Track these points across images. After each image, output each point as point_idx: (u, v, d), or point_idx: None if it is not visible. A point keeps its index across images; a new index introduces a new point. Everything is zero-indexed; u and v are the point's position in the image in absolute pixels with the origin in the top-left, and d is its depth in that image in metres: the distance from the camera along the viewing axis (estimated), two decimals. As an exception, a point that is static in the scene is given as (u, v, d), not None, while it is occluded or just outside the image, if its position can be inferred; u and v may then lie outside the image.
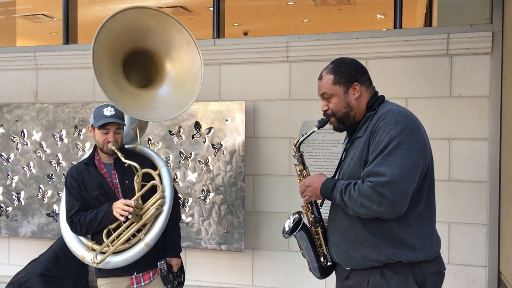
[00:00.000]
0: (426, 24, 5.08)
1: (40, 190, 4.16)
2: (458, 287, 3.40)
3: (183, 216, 3.80)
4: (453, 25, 3.46)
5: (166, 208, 2.55)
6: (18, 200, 4.22)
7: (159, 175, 2.60)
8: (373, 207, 1.79)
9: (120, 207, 2.43)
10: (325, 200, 2.06)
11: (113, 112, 2.55)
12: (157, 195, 2.52)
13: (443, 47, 3.39)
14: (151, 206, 2.51)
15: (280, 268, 3.76)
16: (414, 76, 3.46)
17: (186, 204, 3.82)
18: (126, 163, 2.48)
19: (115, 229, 2.51)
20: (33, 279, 3.60)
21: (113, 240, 2.49)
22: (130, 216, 2.44)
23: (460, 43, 3.37)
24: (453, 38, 3.37)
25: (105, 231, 2.51)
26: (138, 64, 2.90)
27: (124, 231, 2.49)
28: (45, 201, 4.15)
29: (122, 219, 2.44)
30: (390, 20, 3.77)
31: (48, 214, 4.14)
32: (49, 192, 4.14)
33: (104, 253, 2.51)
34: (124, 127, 2.71)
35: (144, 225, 2.51)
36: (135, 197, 2.49)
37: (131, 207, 2.43)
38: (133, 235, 2.51)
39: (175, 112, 2.88)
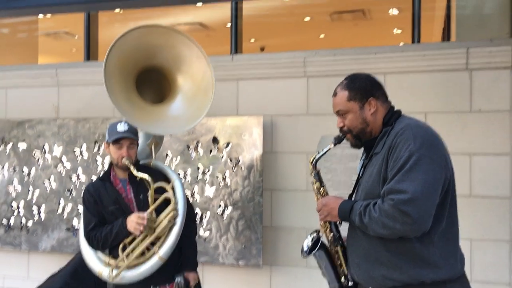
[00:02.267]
0: (444, 38, 5.06)
1: (60, 204, 4.20)
2: (481, 305, 3.32)
3: (201, 231, 3.80)
4: (472, 39, 3.44)
5: (179, 221, 2.56)
6: (39, 214, 4.27)
7: (172, 188, 2.62)
8: (397, 227, 1.75)
9: (134, 221, 2.47)
10: None
11: (126, 128, 2.59)
12: (169, 208, 2.54)
13: (462, 61, 3.37)
14: (164, 219, 2.53)
15: (298, 285, 3.72)
16: (434, 91, 3.44)
17: (203, 219, 3.82)
18: (137, 176, 2.52)
19: (130, 243, 2.54)
20: (52, 293, 3.61)
21: (128, 254, 2.52)
22: (141, 229, 2.46)
23: (479, 57, 3.34)
24: (473, 53, 3.35)
25: (121, 246, 2.55)
26: (152, 81, 2.97)
27: (138, 244, 2.52)
28: (64, 216, 4.19)
29: (137, 232, 2.47)
30: (406, 35, 3.77)
31: (67, 229, 4.17)
32: (69, 207, 4.18)
33: (119, 267, 2.53)
34: (140, 143, 2.74)
35: (158, 238, 2.53)
36: (148, 210, 2.51)
37: (145, 219, 2.46)
38: (148, 249, 2.53)
39: (187, 125, 2.91)
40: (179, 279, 2.62)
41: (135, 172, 2.52)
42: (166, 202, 2.57)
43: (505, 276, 3.29)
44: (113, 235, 2.52)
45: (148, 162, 2.82)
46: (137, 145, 2.71)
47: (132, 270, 2.53)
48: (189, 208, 2.82)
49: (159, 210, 2.56)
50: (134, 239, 2.52)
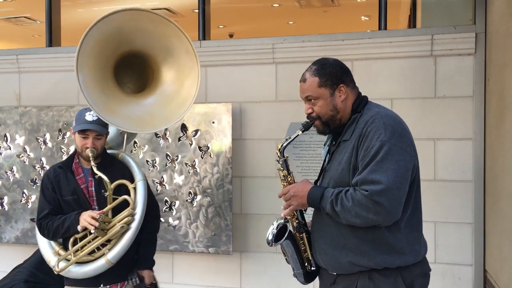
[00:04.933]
0: (410, 25, 5.13)
1: (24, 195, 4.09)
2: (444, 286, 3.42)
3: (170, 219, 3.77)
4: (436, 26, 3.49)
5: (134, 226, 2.46)
6: (1, 205, 4.14)
7: (135, 189, 2.52)
8: (370, 216, 1.76)
9: (86, 219, 2.36)
10: None
11: (95, 118, 2.46)
12: (125, 212, 2.44)
13: (427, 48, 3.42)
14: (118, 223, 2.43)
15: (268, 270, 3.75)
16: (399, 77, 3.49)
17: (173, 207, 3.79)
18: (97, 174, 2.41)
19: (81, 239, 2.45)
20: (18, 285, 3.52)
21: (77, 250, 2.44)
22: (92, 229, 2.36)
23: (444, 44, 3.40)
24: (437, 39, 3.40)
25: (71, 239, 2.46)
26: (134, 67, 2.77)
27: (89, 242, 2.43)
28: (29, 206, 4.08)
29: (80, 231, 2.38)
30: (374, 22, 3.79)
31: (32, 219, 4.06)
32: (33, 197, 4.07)
33: (68, 260, 2.46)
34: (113, 129, 2.63)
35: (109, 240, 2.44)
36: (103, 210, 2.41)
37: (97, 221, 2.35)
38: (98, 248, 2.45)
39: (162, 125, 2.73)
40: (132, 278, 2.53)
41: (95, 169, 2.41)
42: (127, 202, 2.48)
43: (468, 257, 3.40)
44: (64, 228, 2.44)
45: (117, 154, 2.70)
46: (106, 135, 2.59)
47: (78, 267, 2.46)
48: (154, 205, 2.73)
49: (119, 208, 2.47)
50: (86, 235, 2.43)
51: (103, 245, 2.45)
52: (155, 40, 2.64)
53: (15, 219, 4.11)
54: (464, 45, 3.37)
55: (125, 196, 2.46)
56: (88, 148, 2.45)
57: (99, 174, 2.41)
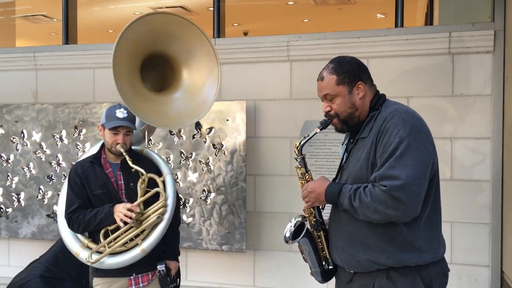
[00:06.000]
0: (427, 23, 5.07)
1: (40, 191, 4.14)
2: (460, 287, 3.37)
3: (184, 217, 3.78)
4: (454, 23, 3.44)
5: (166, 217, 2.55)
6: (18, 201, 4.20)
7: (163, 182, 2.60)
8: (388, 212, 1.75)
9: (122, 212, 2.43)
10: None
11: (125, 115, 2.55)
12: (159, 203, 2.52)
13: (444, 45, 3.38)
14: (152, 214, 2.51)
15: (281, 269, 3.74)
16: (416, 75, 3.44)
17: (187, 204, 3.80)
18: (133, 167, 2.49)
19: (113, 231, 2.51)
20: (33, 280, 3.57)
21: (110, 242, 2.50)
22: (129, 221, 2.43)
23: (461, 41, 3.35)
24: (455, 37, 3.35)
25: (102, 231, 2.52)
26: (156, 68, 2.91)
27: (122, 234, 2.49)
28: (45, 202, 4.13)
29: (121, 225, 2.44)
30: (390, 20, 3.75)
31: (48, 215, 4.12)
32: (49, 193, 4.12)
33: (100, 252, 2.51)
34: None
35: (142, 231, 2.51)
36: (137, 202, 2.49)
37: (134, 212, 2.43)
38: (131, 239, 2.51)
39: (187, 121, 2.91)
40: (161, 268, 2.62)
41: (130, 163, 2.49)
42: (155, 194, 2.54)
43: (484, 258, 3.35)
44: (97, 221, 2.48)
45: (140, 150, 2.79)
46: (133, 132, 2.66)
47: (112, 257, 2.52)
48: (177, 197, 2.79)
49: (147, 201, 2.53)
50: (118, 227, 2.49)
51: (135, 235, 2.52)
52: (179, 42, 2.80)
53: (31, 215, 4.16)
54: (483, 43, 3.32)
55: (158, 189, 2.54)
56: (118, 144, 2.52)
57: (135, 167, 2.49)
